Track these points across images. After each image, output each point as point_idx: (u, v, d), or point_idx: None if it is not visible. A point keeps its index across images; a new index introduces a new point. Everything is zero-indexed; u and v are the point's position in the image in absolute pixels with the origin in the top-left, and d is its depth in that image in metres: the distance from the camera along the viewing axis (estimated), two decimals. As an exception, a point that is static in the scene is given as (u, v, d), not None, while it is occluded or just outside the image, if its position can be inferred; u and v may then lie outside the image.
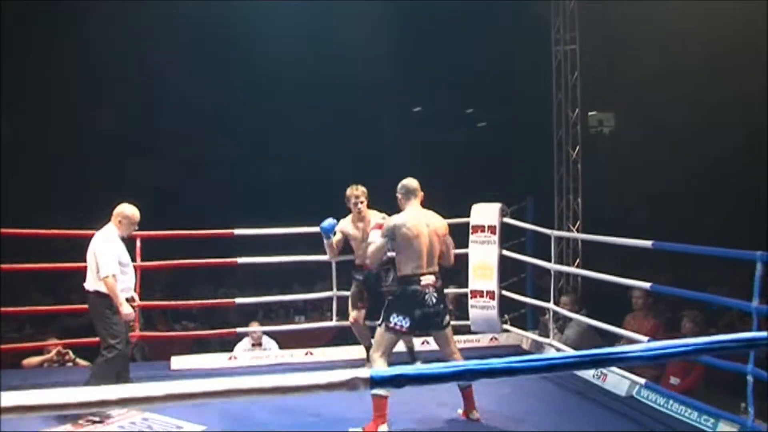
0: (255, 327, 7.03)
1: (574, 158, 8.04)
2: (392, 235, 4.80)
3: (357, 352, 6.59)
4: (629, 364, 4.60)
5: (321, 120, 15.56)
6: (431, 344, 5.62)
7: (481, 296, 6.64)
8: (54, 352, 6.51)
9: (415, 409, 5.03)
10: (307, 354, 6.27)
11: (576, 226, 7.93)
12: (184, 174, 15.76)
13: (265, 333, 6.97)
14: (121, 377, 4.99)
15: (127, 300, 5.12)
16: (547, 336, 6.50)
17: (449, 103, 17.81)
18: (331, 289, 6.72)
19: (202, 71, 14.70)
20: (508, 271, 6.99)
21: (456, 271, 7.40)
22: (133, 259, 6.51)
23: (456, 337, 6.90)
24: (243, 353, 6.60)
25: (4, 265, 6.29)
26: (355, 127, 15.81)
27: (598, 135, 17.39)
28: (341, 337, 7.35)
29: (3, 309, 6.83)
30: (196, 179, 15.58)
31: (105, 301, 5.03)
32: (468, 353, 6.52)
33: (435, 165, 14.40)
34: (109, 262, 5.02)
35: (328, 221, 5.77)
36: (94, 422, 4.79)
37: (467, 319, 6.78)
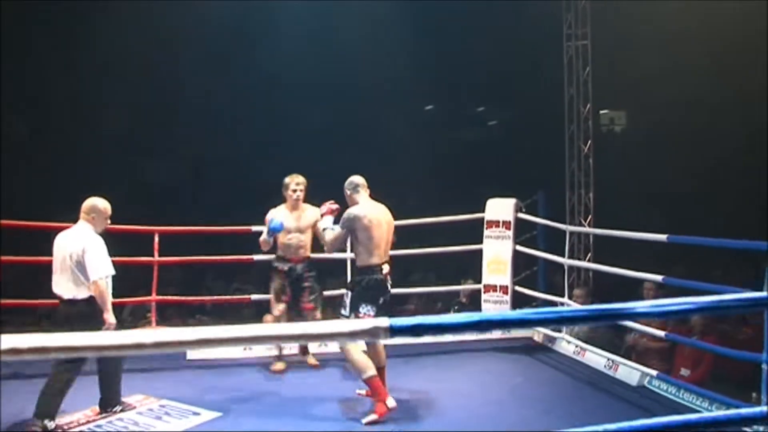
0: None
1: (586, 153, 8.08)
2: (352, 226, 4.83)
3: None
4: (638, 318, 4.64)
5: (330, 119, 15.59)
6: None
7: (495, 291, 6.74)
8: None
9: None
10: (321, 345, 6.33)
11: (587, 221, 7.97)
12: (189, 173, 15.86)
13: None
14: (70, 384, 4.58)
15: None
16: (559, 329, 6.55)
17: (460, 102, 17.86)
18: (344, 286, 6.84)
19: (206, 70, 14.75)
20: (520, 265, 7.04)
21: (470, 266, 7.48)
22: (151, 255, 6.64)
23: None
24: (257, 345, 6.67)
25: (25, 257, 6.38)
26: (365, 126, 15.84)
27: (610, 133, 17.41)
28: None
29: (21, 301, 6.97)
30: (200, 178, 15.68)
31: (90, 308, 4.56)
32: (479, 345, 6.62)
33: (445, 163, 14.48)
34: (105, 261, 4.60)
35: (278, 221, 5.66)
36: (115, 412, 4.83)
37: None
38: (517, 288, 6.80)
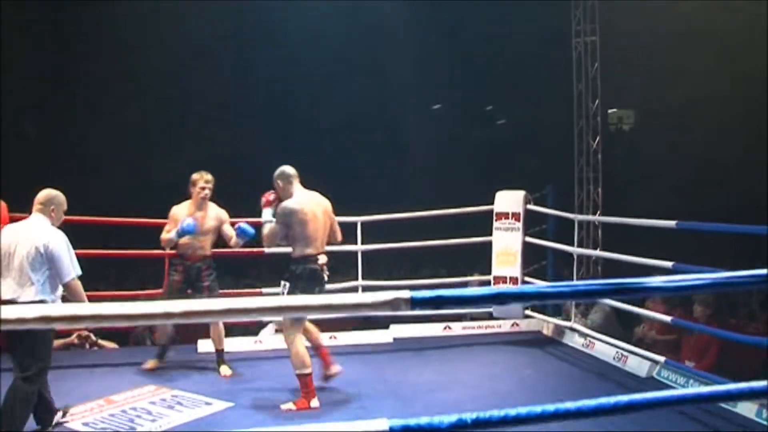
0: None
1: (594, 148, 8.11)
2: (288, 220, 4.78)
3: (380, 336, 6.73)
4: (650, 294, 4.67)
5: (342, 117, 15.66)
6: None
7: (504, 282, 6.74)
8: (74, 336, 6.46)
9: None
10: (331, 338, 6.36)
11: (596, 216, 7.99)
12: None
13: (289, 319, 7.08)
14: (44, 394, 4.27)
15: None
16: (569, 320, 6.58)
17: (468, 100, 17.90)
18: (356, 279, 6.99)
19: (222, 68, 14.85)
20: (529, 257, 7.07)
21: (480, 261, 7.51)
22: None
23: (477, 323, 7.06)
24: (268, 337, 6.72)
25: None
26: (375, 125, 15.90)
27: (618, 132, 17.43)
28: (366, 322, 7.47)
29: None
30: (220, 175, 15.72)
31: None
32: (489, 339, 6.66)
33: (453, 160, 14.51)
34: (74, 260, 4.23)
35: (191, 222, 5.37)
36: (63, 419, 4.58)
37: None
38: (527, 279, 6.82)
